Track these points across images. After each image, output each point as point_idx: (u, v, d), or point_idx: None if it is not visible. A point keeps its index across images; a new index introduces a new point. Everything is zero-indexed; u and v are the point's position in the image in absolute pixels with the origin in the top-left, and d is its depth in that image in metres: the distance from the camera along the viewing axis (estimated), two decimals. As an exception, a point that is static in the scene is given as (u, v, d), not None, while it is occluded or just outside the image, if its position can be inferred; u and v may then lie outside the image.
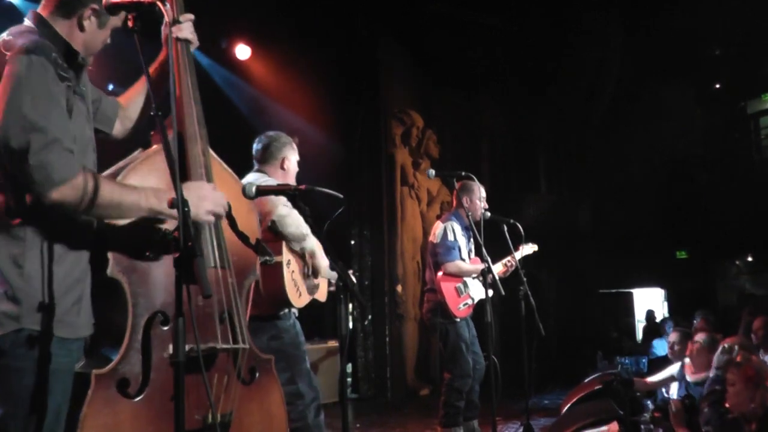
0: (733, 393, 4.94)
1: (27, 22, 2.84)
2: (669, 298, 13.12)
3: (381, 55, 11.48)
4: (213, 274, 3.06)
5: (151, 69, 3.24)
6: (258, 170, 4.90)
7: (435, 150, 11.93)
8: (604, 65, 12.47)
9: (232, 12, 9.21)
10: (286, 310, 4.66)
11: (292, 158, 4.92)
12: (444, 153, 12.08)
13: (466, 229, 6.85)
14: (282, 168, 4.88)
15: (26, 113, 2.52)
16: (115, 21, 2.90)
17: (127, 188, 2.74)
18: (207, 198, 2.89)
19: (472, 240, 6.96)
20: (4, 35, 2.72)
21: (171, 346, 2.82)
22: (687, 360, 6.34)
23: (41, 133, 2.52)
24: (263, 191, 3.24)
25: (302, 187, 3.23)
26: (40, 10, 2.87)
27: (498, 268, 6.93)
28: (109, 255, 2.85)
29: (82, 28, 2.86)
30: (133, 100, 3.35)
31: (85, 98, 2.92)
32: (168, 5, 2.78)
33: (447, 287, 6.72)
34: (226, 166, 3.41)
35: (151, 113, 2.60)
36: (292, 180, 4.88)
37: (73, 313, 2.74)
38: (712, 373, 5.35)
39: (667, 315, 12.62)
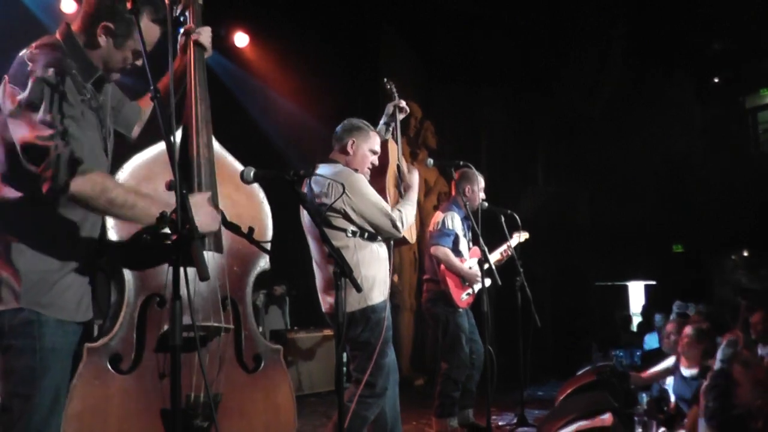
0: (741, 392, 4.92)
1: (57, 33, 2.97)
2: (649, 293, 13.12)
3: (382, 46, 11.46)
4: (213, 260, 3.11)
5: (166, 77, 3.34)
6: (328, 158, 4.86)
7: (433, 141, 11.91)
8: (604, 59, 12.46)
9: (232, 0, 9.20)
10: (381, 300, 4.68)
11: (361, 143, 4.78)
12: (443, 145, 12.05)
13: (465, 219, 6.84)
14: (346, 153, 4.78)
15: (45, 117, 2.66)
16: (133, 44, 2.99)
17: (141, 194, 2.83)
18: (205, 214, 2.98)
19: (470, 230, 6.95)
20: (32, 47, 2.87)
21: (165, 326, 2.86)
22: (681, 354, 6.33)
23: (59, 133, 2.66)
24: (261, 176, 3.24)
25: (300, 172, 3.23)
26: (71, 23, 2.99)
27: (495, 257, 6.94)
28: (107, 237, 2.98)
29: (96, 45, 2.97)
30: (151, 105, 3.44)
31: (101, 110, 3.04)
32: None
33: (452, 277, 6.70)
34: (232, 158, 3.47)
35: (150, 98, 2.63)
36: (360, 166, 4.77)
37: (68, 297, 2.83)
38: (716, 366, 5.31)
39: (641, 310, 12.70)
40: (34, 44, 2.89)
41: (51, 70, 2.72)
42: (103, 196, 2.71)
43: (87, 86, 2.92)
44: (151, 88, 2.59)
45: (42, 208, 2.77)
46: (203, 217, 2.91)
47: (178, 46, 3.48)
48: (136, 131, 3.43)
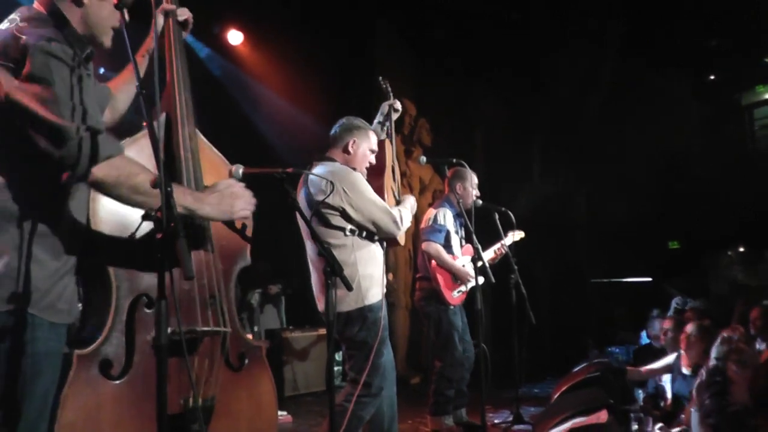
0: (736, 389, 4.91)
1: (37, 6, 2.78)
2: (645, 290, 13.11)
3: (376, 43, 11.44)
4: (198, 257, 3.05)
5: (138, 56, 3.25)
6: (325, 156, 4.82)
7: (427, 138, 11.88)
8: (600, 56, 12.44)
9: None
10: (378, 299, 4.64)
11: (361, 143, 4.78)
12: (438, 142, 12.03)
13: (458, 216, 6.83)
14: (346, 152, 4.76)
15: (63, 97, 2.50)
16: None
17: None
18: (239, 196, 2.94)
19: (463, 227, 6.94)
20: (18, 20, 2.67)
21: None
22: (682, 352, 6.31)
23: (81, 116, 2.52)
24: (250, 174, 3.20)
25: (290, 170, 3.21)
26: None
27: (488, 255, 6.94)
28: (94, 238, 2.87)
29: (79, 3, 2.77)
30: (121, 88, 3.29)
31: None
32: None
33: (443, 274, 6.70)
34: (214, 149, 3.41)
35: (136, 94, 2.57)
36: (359, 165, 4.77)
37: (64, 299, 2.71)
38: (710, 363, 5.30)
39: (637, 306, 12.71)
40: (17, 17, 2.69)
41: (54, 43, 2.55)
42: (127, 182, 2.63)
43: (84, 62, 2.74)
44: (136, 84, 2.52)
45: (37, 208, 2.62)
46: (233, 200, 2.91)
47: (152, 27, 3.29)
48: (107, 117, 3.22)
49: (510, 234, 7.18)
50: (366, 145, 4.80)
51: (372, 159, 4.85)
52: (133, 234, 2.74)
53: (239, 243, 3.32)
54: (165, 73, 3.27)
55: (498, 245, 7.05)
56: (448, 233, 6.75)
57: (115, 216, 2.91)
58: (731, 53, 13.32)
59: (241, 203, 2.94)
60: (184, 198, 2.75)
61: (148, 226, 2.55)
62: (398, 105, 5.42)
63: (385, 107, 5.38)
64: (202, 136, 3.35)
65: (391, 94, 5.44)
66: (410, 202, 5.03)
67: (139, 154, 2.97)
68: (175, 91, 3.21)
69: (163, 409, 2.37)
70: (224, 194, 2.88)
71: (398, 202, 5.05)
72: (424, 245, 6.74)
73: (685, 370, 6.19)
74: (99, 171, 2.56)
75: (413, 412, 7.52)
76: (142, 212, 2.71)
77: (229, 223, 3.15)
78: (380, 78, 5.54)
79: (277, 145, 10.68)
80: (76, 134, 2.49)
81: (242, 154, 3.51)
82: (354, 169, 4.72)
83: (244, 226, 3.19)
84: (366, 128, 4.85)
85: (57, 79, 2.51)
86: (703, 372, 5.31)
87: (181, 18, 3.35)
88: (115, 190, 2.66)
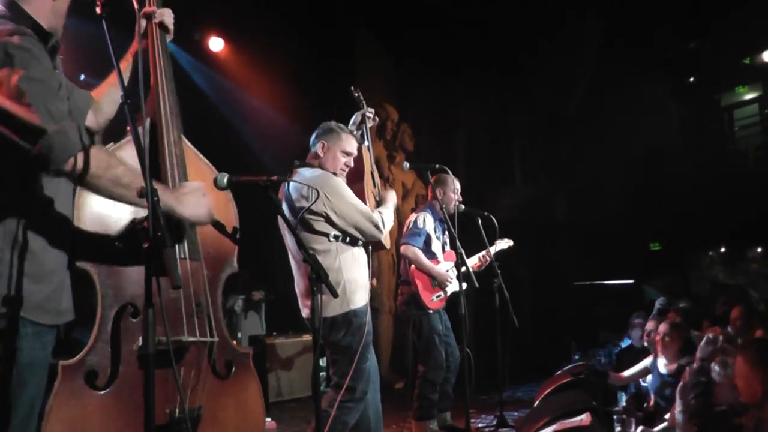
0: (719, 390, 4.94)
1: None
2: (627, 291, 13.19)
3: (357, 49, 11.45)
4: (184, 266, 3.03)
5: (123, 61, 3.19)
6: (304, 162, 4.80)
7: (410, 143, 11.90)
8: (580, 58, 12.48)
9: (206, 3, 9.14)
10: (363, 303, 4.65)
11: (331, 145, 4.74)
12: (419, 146, 12.05)
13: (441, 221, 6.85)
14: (317, 156, 4.74)
15: (30, 86, 2.43)
16: None
17: (138, 174, 2.62)
18: (206, 201, 2.93)
19: (446, 233, 6.96)
20: None
21: (140, 339, 2.78)
22: (659, 353, 6.34)
23: (53, 107, 2.46)
24: (235, 182, 3.20)
25: (274, 178, 3.21)
26: None
27: (473, 262, 6.95)
28: (78, 246, 2.81)
29: None
30: (106, 92, 3.22)
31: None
32: None
33: (421, 278, 6.70)
34: (201, 155, 3.39)
35: (120, 102, 2.54)
36: (332, 167, 4.73)
37: (54, 299, 2.64)
38: (696, 364, 5.33)
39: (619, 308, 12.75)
40: None
41: (16, 37, 2.47)
42: (107, 174, 2.56)
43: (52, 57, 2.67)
44: (121, 94, 2.50)
45: (18, 207, 2.53)
46: (193, 206, 2.87)
47: (136, 31, 3.29)
48: (91, 121, 3.10)
49: (497, 242, 7.20)
50: (336, 147, 4.75)
51: (348, 161, 4.83)
52: (118, 240, 2.72)
53: (226, 250, 3.32)
54: (149, 78, 3.22)
55: (483, 253, 7.06)
56: (428, 237, 6.77)
57: (99, 216, 2.90)
58: (711, 54, 13.41)
59: (211, 207, 2.94)
60: (166, 196, 2.70)
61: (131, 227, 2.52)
62: (371, 113, 5.43)
63: (357, 116, 5.39)
64: (188, 143, 3.32)
65: (364, 103, 5.45)
66: (391, 201, 5.03)
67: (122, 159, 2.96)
68: (159, 96, 3.18)
69: (150, 418, 2.35)
70: (198, 197, 2.87)
71: (379, 204, 5.05)
72: (402, 248, 6.76)
73: (662, 370, 6.23)
74: (78, 162, 2.48)
75: (398, 417, 7.51)
76: (124, 212, 2.72)
77: (220, 227, 3.16)
78: (352, 88, 5.55)
79: (258, 151, 10.65)
80: (51, 129, 2.42)
81: (223, 159, 3.50)
82: (334, 173, 4.72)
83: (235, 229, 3.19)
84: (338, 131, 4.81)
85: (26, 72, 2.44)
86: (686, 373, 5.34)
87: (158, 19, 3.30)
88: (95, 181, 2.58)
